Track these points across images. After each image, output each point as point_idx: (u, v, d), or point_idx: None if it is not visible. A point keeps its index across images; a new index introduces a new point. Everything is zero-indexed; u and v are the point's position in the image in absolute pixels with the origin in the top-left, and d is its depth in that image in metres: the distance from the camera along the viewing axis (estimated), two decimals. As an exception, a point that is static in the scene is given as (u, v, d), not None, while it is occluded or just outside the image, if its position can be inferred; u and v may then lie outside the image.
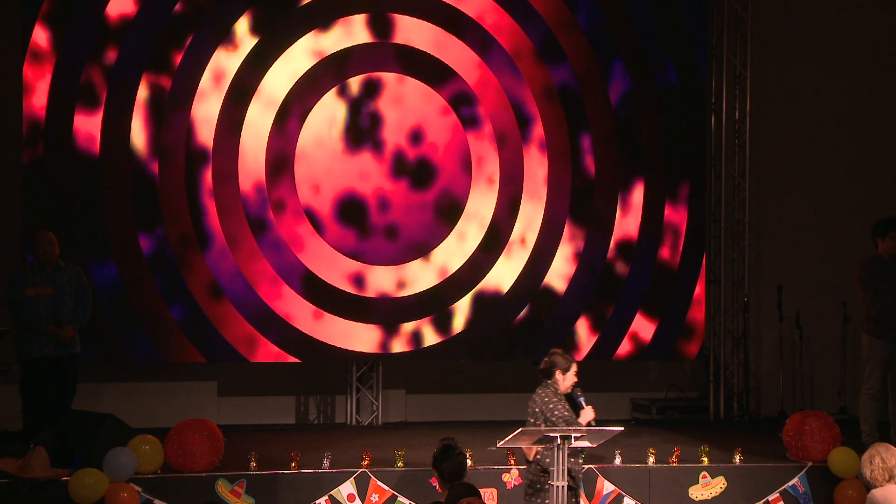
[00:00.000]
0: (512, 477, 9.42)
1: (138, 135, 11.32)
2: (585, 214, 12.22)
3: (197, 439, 9.22)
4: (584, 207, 12.21)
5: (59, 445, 9.25)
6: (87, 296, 10.19)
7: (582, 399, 8.27)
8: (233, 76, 11.50)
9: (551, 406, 8.17)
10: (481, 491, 7.41)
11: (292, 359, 11.70)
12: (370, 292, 11.78)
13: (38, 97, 11.09)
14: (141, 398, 11.68)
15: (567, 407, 8.20)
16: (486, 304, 12.02)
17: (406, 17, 11.86)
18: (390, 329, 11.83)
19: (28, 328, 9.92)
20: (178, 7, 11.39)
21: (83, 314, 10.15)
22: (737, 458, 9.83)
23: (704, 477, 9.69)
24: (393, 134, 11.86)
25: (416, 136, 11.91)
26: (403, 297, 11.86)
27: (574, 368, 8.31)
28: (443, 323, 11.94)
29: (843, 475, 9.61)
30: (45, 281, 9.94)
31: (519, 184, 12.09)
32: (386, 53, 11.84)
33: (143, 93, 11.31)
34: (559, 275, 12.15)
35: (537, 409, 8.25)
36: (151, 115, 11.34)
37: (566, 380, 8.28)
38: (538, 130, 12.13)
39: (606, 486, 9.53)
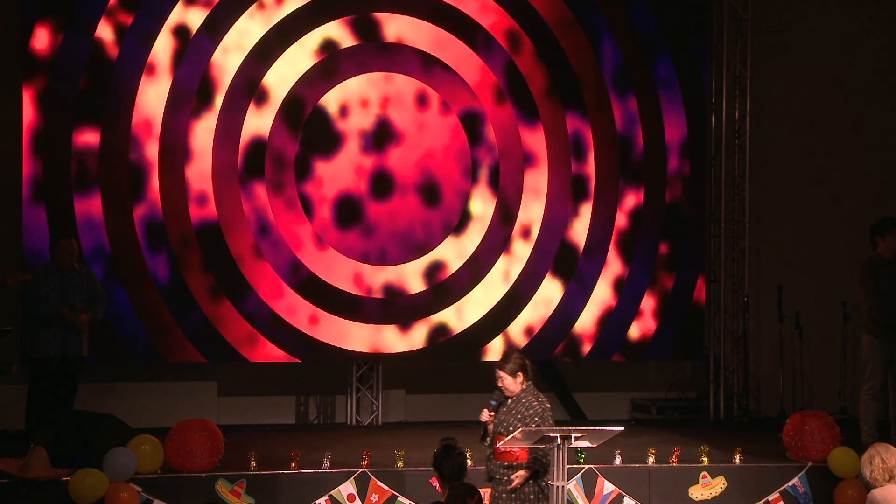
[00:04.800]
0: (512, 477, 9.41)
1: (138, 135, 11.32)
2: (585, 214, 12.21)
3: (197, 439, 9.22)
4: (584, 207, 12.22)
5: (59, 445, 9.25)
6: (101, 298, 10.20)
7: (492, 402, 8.10)
8: (233, 75, 11.50)
9: None
10: (481, 491, 7.41)
11: (292, 359, 11.70)
12: (370, 292, 11.78)
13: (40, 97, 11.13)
14: (141, 398, 11.67)
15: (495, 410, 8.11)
16: (486, 304, 12.03)
17: (406, 16, 11.86)
18: (390, 329, 11.82)
19: (37, 323, 9.90)
20: (175, 9, 11.39)
21: (99, 311, 10.16)
22: (737, 458, 9.83)
23: (704, 477, 9.69)
24: (393, 134, 11.86)
25: (415, 135, 11.91)
26: (403, 297, 11.86)
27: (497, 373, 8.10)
28: (443, 323, 11.95)
29: (843, 475, 9.61)
30: (56, 282, 9.95)
31: (519, 185, 12.10)
32: (385, 53, 11.84)
33: (142, 92, 11.32)
34: (559, 275, 12.15)
35: None
36: (151, 115, 11.34)
37: None
38: (538, 131, 12.13)
39: (606, 486, 9.53)
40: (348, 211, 11.77)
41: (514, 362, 8.02)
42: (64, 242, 10.14)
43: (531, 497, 7.89)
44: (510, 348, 8.37)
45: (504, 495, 7.85)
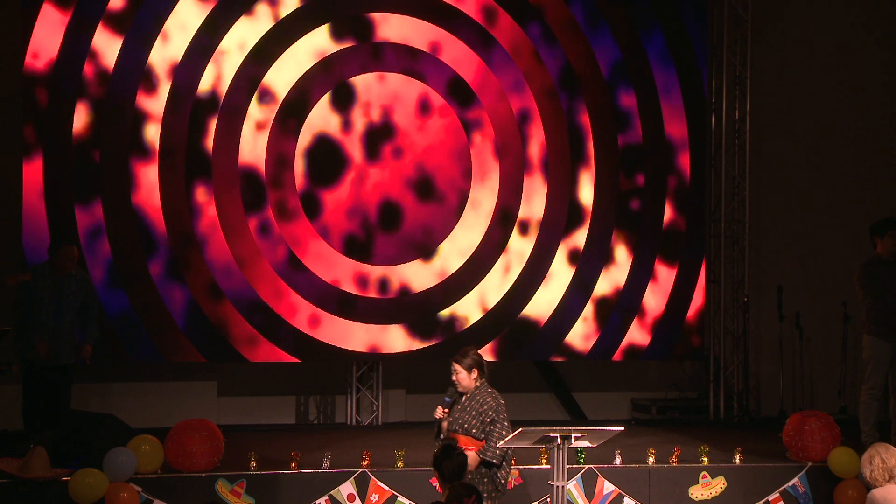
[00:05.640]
0: (512, 477, 9.42)
1: (139, 135, 11.33)
2: (585, 214, 12.22)
3: (197, 439, 9.23)
4: (584, 207, 12.22)
5: (59, 445, 9.25)
6: (94, 307, 10.09)
7: (446, 398, 8.16)
8: (233, 75, 11.51)
9: None
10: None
11: (292, 359, 11.70)
12: (371, 292, 11.78)
13: (39, 96, 11.13)
14: (141, 398, 11.68)
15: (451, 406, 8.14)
16: (486, 304, 12.03)
17: (404, 16, 11.87)
18: (390, 329, 11.82)
19: (30, 328, 9.87)
20: (172, 12, 11.39)
21: (94, 327, 10.09)
22: (737, 458, 9.84)
23: (704, 477, 9.70)
24: (392, 133, 11.86)
25: (414, 135, 11.91)
26: (403, 297, 11.86)
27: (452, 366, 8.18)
28: (443, 322, 11.95)
29: (843, 475, 9.62)
30: (52, 288, 9.87)
31: (519, 184, 12.10)
32: (384, 53, 11.84)
33: (143, 93, 11.32)
34: (559, 274, 12.15)
35: None
36: (151, 115, 11.35)
37: None
38: (538, 131, 12.13)
39: (606, 486, 9.54)
40: (348, 210, 11.77)
41: (471, 358, 8.11)
42: (66, 249, 9.92)
43: (484, 495, 7.88)
44: (468, 346, 8.44)
45: None
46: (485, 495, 7.89)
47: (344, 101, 11.76)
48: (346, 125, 11.78)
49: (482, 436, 7.96)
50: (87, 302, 10.02)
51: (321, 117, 11.71)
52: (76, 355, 9.93)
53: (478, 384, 8.10)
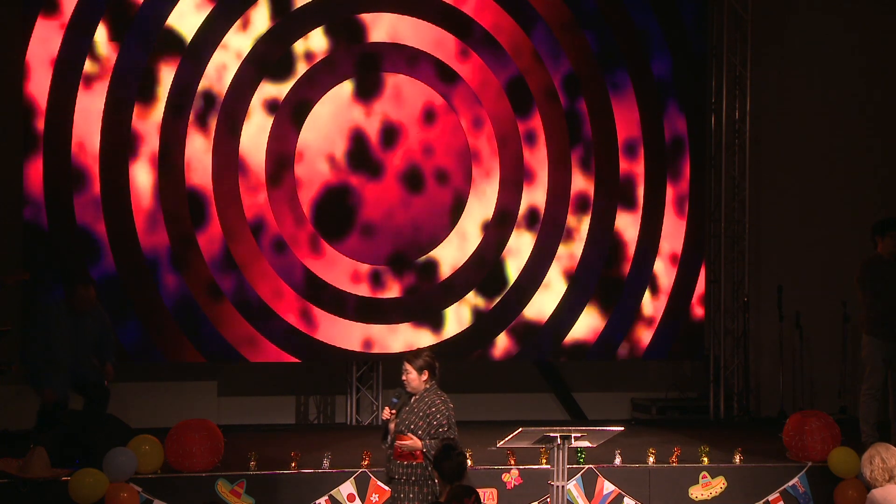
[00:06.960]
0: (512, 477, 9.43)
1: (137, 136, 11.33)
2: (586, 214, 12.21)
3: (197, 439, 9.23)
4: (584, 207, 12.22)
5: (59, 445, 9.25)
6: (111, 340, 10.06)
7: (394, 399, 8.07)
8: (232, 76, 11.51)
9: None
10: (481, 491, 7.42)
11: (292, 359, 11.70)
12: (371, 292, 11.78)
13: (38, 102, 11.13)
14: (141, 398, 11.67)
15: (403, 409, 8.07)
16: (486, 304, 12.03)
17: (403, 16, 11.87)
18: (390, 329, 11.82)
19: (47, 364, 9.72)
20: (171, 16, 11.40)
21: (111, 354, 10.02)
22: (737, 458, 9.84)
23: (704, 477, 9.70)
24: (393, 133, 11.86)
25: (415, 135, 11.91)
26: (403, 297, 11.86)
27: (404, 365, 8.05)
28: (443, 322, 11.94)
29: (843, 475, 9.62)
30: (70, 328, 9.69)
31: (519, 184, 12.10)
32: (384, 53, 11.84)
33: (142, 93, 11.33)
34: (559, 274, 12.15)
35: None
36: (150, 115, 11.36)
37: None
38: (538, 131, 12.13)
39: (606, 486, 9.54)
40: (348, 210, 11.77)
41: (423, 360, 7.96)
42: (83, 290, 9.83)
43: (430, 497, 7.82)
44: (423, 347, 8.34)
45: (402, 496, 7.79)
46: (430, 497, 7.80)
47: (345, 99, 11.76)
48: (347, 124, 11.77)
49: (427, 437, 7.85)
50: (104, 337, 9.94)
51: (321, 115, 11.70)
52: (99, 374, 9.84)
53: (427, 386, 7.98)
